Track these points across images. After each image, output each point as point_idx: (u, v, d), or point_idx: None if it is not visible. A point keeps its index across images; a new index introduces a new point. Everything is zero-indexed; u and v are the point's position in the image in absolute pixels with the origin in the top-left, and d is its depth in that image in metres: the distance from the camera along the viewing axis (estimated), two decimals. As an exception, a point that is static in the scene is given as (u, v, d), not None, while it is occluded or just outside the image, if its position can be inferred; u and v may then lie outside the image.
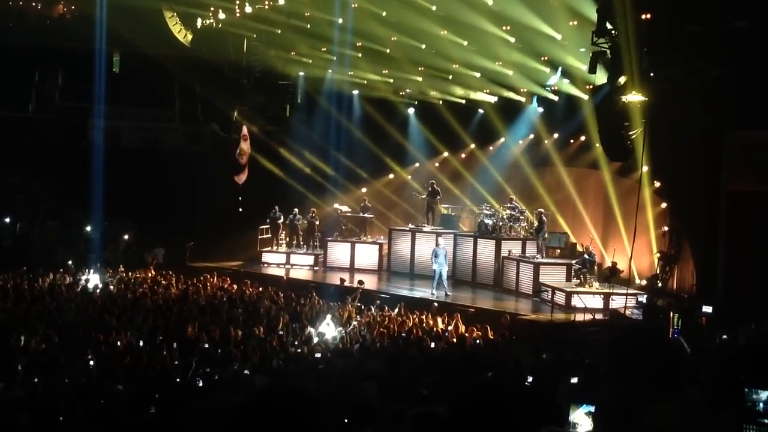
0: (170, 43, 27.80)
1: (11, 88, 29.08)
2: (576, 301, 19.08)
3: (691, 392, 3.46)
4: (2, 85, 28.27)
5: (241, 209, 28.44)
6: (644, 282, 20.64)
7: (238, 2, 25.67)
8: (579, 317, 18.17)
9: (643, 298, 18.30)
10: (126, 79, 29.81)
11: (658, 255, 20.44)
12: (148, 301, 18.42)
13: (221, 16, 26.75)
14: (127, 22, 25.57)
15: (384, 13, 23.21)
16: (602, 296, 19.25)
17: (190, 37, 28.22)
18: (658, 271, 20.17)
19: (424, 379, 10.07)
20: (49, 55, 29.15)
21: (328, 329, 15.95)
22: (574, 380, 9.74)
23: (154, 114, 30.82)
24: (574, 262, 21.05)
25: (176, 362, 12.44)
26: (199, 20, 27.75)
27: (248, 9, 25.68)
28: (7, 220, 27.83)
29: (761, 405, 3.59)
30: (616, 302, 18.77)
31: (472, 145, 27.48)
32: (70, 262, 23.51)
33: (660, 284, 19.76)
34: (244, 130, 28.74)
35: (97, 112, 28.07)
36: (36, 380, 10.83)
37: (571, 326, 17.66)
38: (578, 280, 20.38)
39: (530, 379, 9.90)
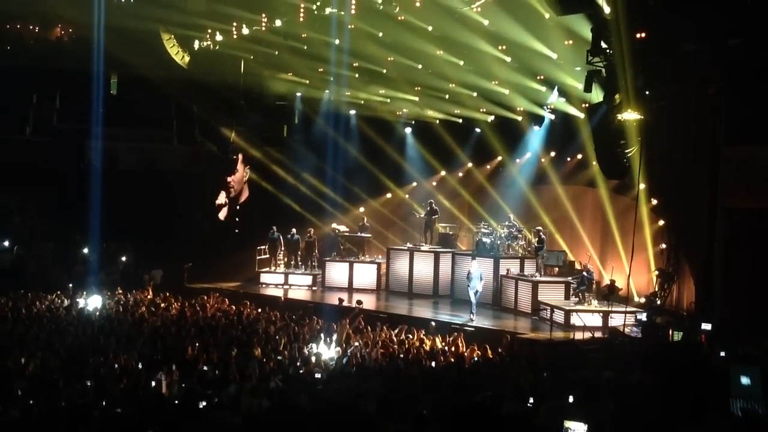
0: (168, 64, 27.92)
1: (9, 111, 29.17)
2: (575, 320, 19.06)
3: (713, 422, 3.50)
4: (0, 108, 28.35)
5: (237, 230, 28.53)
6: (643, 300, 20.62)
7: (235, 24, 25.82)
8: (578, 335, 18.15)
9: (643, 316, 18.28)
10: (123, 101, 29.90)
11: (657, 273, 20.44)
12: (146, 323, 18.36)
13: (218, 38, 26.90)
14: (124, 45, 25.67)
15: (380, 34, 23.35)
16: (601, 314, 19.22)
17: (187, 58, 28.35)
18: (656, 289, 20.16)
19: (423, 399, 10.03)
20: (47, 78, 29.26)
21: (326, 349, 15.91)
22: (571, 399, 9.74)
23: (152, 135, 30.88)
24: (572, 279, 21.06)
25: (179, 384, 12.37)
26: (197, 42, 27.89)
27: (245, 31, 25.84)
28: (6, 243, 27.80)
29: (745, 381, 3.65)
30: (615, 320, 18.74)
31: (470, 164, 27.61)
32: (70, 285, 23.46)
33: (659, 302, 19.74)
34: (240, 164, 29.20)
35: (95, 134, 28.13)
36: (33, 403, 10.79)
37: (570, 345, 17.63)
38: (577, 299, 20.39)
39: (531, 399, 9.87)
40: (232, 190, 29.59)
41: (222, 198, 29.35)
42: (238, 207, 29.74)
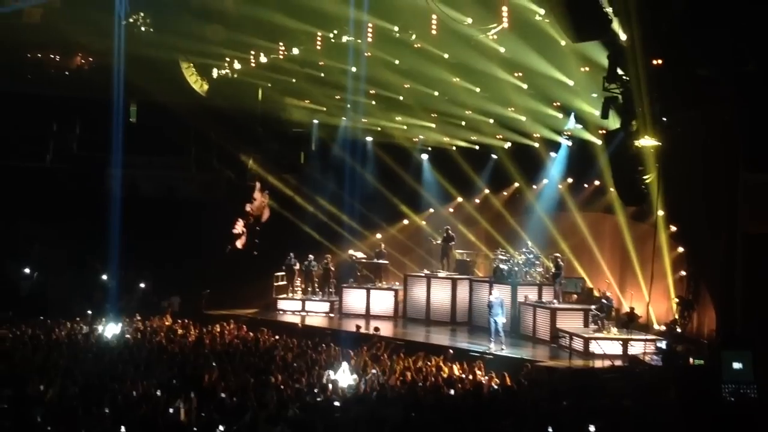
0: (186, 92, 28.20)
1: (29, 139, 29.51)
2: (594, 348, 18.92)
3: None
4: (21, 136, 28.70)
5: (255, 252, 28.60)
6: (663, 327, 20.44)
7: (253, 53, 26.05)
8: (598, 364, 17.99)
9: (662, 344, 18.11)
10: (142, 129, 30.18)
11: (677, 300, 20.29)
12: (164, 350, 18.39)
13: (237, 66, 27.14)
14: (143, 73, 25.95)
15: (397, 62, 23.50)
16: (621, 342, 19.07)
17: (206, 87, 28.62)
18: (676, 316, 19.99)
19: (441, 427, 9.99)
20: (67, 106, 29.62)
21: (344, 377, 15.85)
22: (592, 428, 9.66)
23: (170, 162, 31.17)
24: (592, 307, 20.90)
25: (197, 411, 12.36)
26: (215, 70, 28.16)
27: (263, 59, 26.05)
28: (27, 270, 28.01)
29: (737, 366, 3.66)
30: (635, 348, 18.58)
31: (486, 191, 27.62)
32: (90, 312, 23.57)
33: (679, 329, 19.56)
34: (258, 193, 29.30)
35: (114, 162, 28.37)
36: (52, 430, 10.81)
37: (590, 373, 17.48)
38: (596, 326, 20.23)
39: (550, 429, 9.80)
40: (250, 218, 29.76)
41: (239, 227, 29.47)
42: (258, 228, 29.87)
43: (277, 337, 20.84)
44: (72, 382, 14.30)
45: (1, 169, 28.70)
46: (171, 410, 12.30)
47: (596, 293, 22.09)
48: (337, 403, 12.80)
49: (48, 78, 29.71)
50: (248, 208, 29.75)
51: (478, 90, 23.63)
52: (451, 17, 19.46)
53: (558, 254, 23.06)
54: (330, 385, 14.85)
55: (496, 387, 15.04)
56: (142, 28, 25.65)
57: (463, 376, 16.21)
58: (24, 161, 29.39)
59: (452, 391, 14.22)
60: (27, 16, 25.74)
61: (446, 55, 22.20)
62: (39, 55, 30.80)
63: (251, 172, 30.27)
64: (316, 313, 25.65)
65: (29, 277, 28.06)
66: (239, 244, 29.52)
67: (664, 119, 16.71)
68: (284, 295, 26.41)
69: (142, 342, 19.58)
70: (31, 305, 24.90)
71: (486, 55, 21.26)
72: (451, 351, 18.79)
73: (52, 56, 30.92)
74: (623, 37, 15.83)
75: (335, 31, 23.29)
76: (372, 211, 28.06)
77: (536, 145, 25.65)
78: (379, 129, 28.79)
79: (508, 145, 26.44)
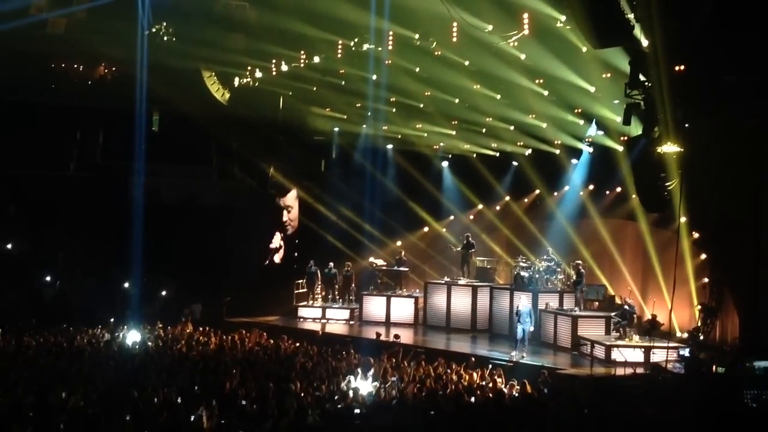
0: (208, 101, 28.36)
1: (53, 148, 29.80)
2: (616, 355, 18.80)
3: None
4: (45, 145, 28.98)
5: (295, 265, 28.65)
6: (685, 335, 20.28)
7: (274, 61, 26.16)
8: (620, 371, 17.87)
9: (685, 352, 17.97)
10: (165, 137, 30.38)
11: (699, 307, 20.12)
12: (185, 357, 18.47)
13: (258, 74, 27.26)
14: (166, 83, 26.14)
15: (417, 69, 23.50)
16: (643, 350, 18.93)
17: (227, 95, 28.77)
18: (699, 324, 19.82)
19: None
20: (90, 115, 29.91)
21: (364, 384, 15.83)
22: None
23: (192, 171, 31.36)
24: (613, 314, 20.77)
25: (218, 419, 12.40)
26: (237, 79, 28.31)
27: (284, 67, 26.13)
28: (48, 278, 28.26)
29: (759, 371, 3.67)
30: (657, 356, 18.44)
31: (507, 198, 27.55)
32: (112, 320, 23.72)
33: (702, 337, 19.40)
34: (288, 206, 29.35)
35: (137, 170, 28.59)
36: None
37: (611, 381, 17.35)
38: (618, 334, 20.10)
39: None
40: (289, 227, 29.91)
41: (277, 240, 29.57)
42: (296, 240, 30.00)
43: (297, 344, 20.88)
44: (94, 389, 14.39)
45: (25, 178, 29.04)
46: (192, 417, 12.35)
47: (618, 300, 21.95)
48: (357, 411, 12.80)
49: (71, 88, 29.98)
50: (285, 217, 29.89)
51: (498, 97, 23.57)
52: (472, 24, 19.44)
53: (579, 261, 22.94)
54: (350, 393, 14.84)
55: (516, 395, 14.97)
56: (165, 38, 25.78)
57: (484, 383, 16.14)
58: (48, 170, 29.67)
59: (473, 399, 14.17)
60: (51, 26, 25.97)
61: (467, 63, 22.18)
62: (63, 65, 31.08)
63: (272, 180, 30.40)
64: (337, 320, 25.68)
65: (52, 285, 28.29)
66: (277, 258, 29.62)
67: (687, 125, 16.59)
68: (305, 303, 26.48)
69: (164, 349, 19.67)
70: (54, 313, 25.08)
71: (506, 62, 21.19)
72: (473, 359, 18.75)
73: (76, 66, 31.21)
74: (645, 43, 15.75)
75: (356, 39, 23.32)
76: (392, 218, 28.10)
77: (557, 152, 25.57)
78: (400, 136, 28.81)
79: (528, 152, 26.38)
